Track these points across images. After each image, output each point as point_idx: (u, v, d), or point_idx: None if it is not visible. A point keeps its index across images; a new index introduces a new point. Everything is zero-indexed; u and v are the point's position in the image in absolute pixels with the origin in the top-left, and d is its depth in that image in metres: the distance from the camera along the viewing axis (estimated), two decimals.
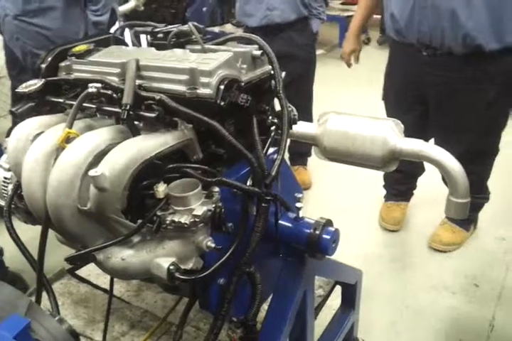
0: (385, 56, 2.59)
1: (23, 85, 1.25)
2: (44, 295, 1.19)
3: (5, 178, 1.31)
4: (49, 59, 1.30)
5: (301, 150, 3.15)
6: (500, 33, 2.01)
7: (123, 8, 4.03)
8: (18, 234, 1.27)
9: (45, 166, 1.06)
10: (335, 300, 1.83)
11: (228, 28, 5.61)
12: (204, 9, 5.38)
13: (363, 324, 1.99)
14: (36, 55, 2.58)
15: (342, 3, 6.30)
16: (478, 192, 2.47)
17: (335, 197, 3.11)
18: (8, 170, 1.29)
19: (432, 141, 2.37)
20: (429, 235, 2.71)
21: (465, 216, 1.31)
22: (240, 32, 4.26)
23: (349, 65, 2.85)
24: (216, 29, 5.44)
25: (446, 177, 1.26)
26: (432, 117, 2.41)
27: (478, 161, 2.34)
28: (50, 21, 2.57)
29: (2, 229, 2.47)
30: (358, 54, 2.79)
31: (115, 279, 1.55)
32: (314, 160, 3.26)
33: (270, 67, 1.19)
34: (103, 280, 1.84)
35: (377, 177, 2.84)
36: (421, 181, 2.87)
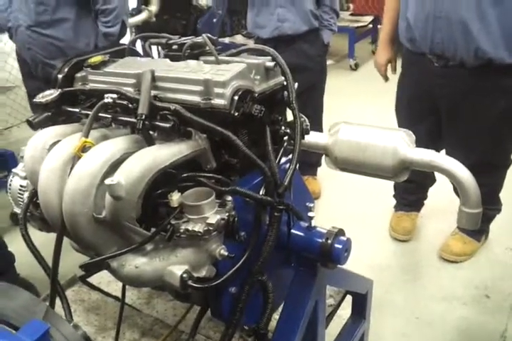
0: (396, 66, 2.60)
1: (40, 95, 1.28)
2: (56, 302, 1.21)
3: (21, 186, 1.33)
4: (65, 70, 1.33)
5: (310, 161, 3.16)
6: None
7: (135, 20, 4.09)
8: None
9: (61, 175, 1.08)
10: (345, 310, 1.83)
11: (238, 38, 5.66)
12: (214, 20, 5.44)
13: (373, 334, 1.98)
14: (47, 64, 2.65)
15: (351, 14, 6.33)
16: (490, 204, 2.47)
17: (344, 207, 3.11)
18: (25, 178, 1.31)
19: (443, 151, 2.38)
20: (440, 245, 2.70)
21: (477, 226, 1.31)
22: (250, 43, 4.30)
23: (386, 78, 2.64)
24: (226, 40, 5.49)
25: (458, 188, 1.26)
26: (444, 128, 2.41)
27: (490, 173, 2.33)
28: (62, 32, 2.62)
29: (13, 237, 2.52)
30: (394, 64, 2.59)
31: (126, 287, 1.56)
32: (324, 170, 3.26)
33: (283, 78, 1.20)
34: (114, 287, 1.85)
35: (387, 187, 2.84)
36: (432, 191, 2.86)
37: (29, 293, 0.88)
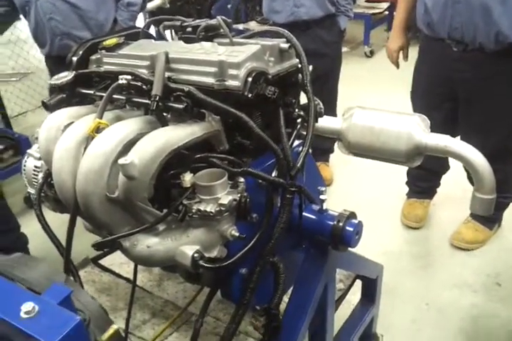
0: (412, 53, 2.57)
1: (55, 77, 1.29)
2: None
3: (35, 167, 1.34)
4: (80, 52, 1.34)
5: (323, 147, 3.15)
6: None
7: (149, 6, 4.09)
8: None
9: (75, 155, 1.09)
10: (355, 295, 1.84)
11: (252, 25, 5.62)
12: (229, 6, 5.41)
13: (382, 320, 1.99)
14: (66, 35, 2.72)
15: (367, 1, 6.24)
16: (504, 192, 2.44)
17: (356, 193, 3.10)
18: (39, 159, 1.32)
19: (458, 138, 2.35)
20: (452, 233, 2.69)
21: (490, 212, 1.30)
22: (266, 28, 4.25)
23: (397, 65, 2.63)
24: (240, 26, 5.46)
25: (472, 173, 1.25)
26: (462, 114, 2.38)
27: (505, 160, 2.31)
28: (85, 2, 2.71)
29: (27, 221, 2.55)
30: (406, 51, 2.59)
31: (138, 268, 1.58)
32: (336, 157, 3.26)
33: (297, 60, 1.20)
34: (126, 269, 1.88)
35: (399, 173, 2.83)
36: (445, 179, 2.85)
37: (48, 264, 0.90)
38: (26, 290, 0.80)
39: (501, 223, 2.72)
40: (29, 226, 2.45)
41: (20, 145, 3.31)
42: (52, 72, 2.94)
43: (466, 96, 2.30)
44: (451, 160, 1.26)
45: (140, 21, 3.03)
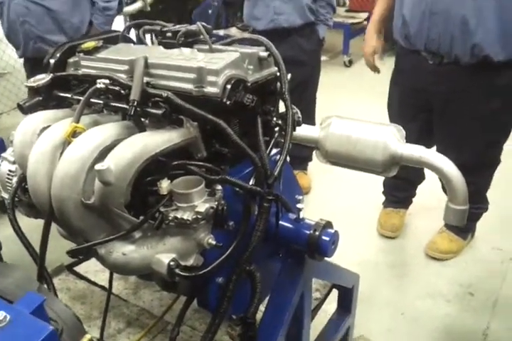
0: (388, 64, 2.61)
1: (32, 79, 1.27)
2: None
3: (10, 171, 1.32)
4: (58, 54, 1.32)
5: (301, 155, 3.16)
6: (509, 44, 2.01)
7: (130, 9, 4.06)
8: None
9: (51, 159, 1.07)
10: (331, 304, 1.84)
11: (233, 31, 5.62)
12: (210, 12, 5.42)
13: (358, 329, 2.00)
14: (40, 38, 2.69)
15: (347, 11, 6.31)
16: (477, 202, 2.48)
17: (334, 202, 3.12)
18: (13, 162, 1.30)
19: (434, 149, 2.38)
20: (427, 243, 2.71)
21: (463, 223, 1.32)
22: (245, 35, 4.27)
23: (376, 70, 2.65)
24: (221, 32, 5.46)
25: (446, 184, 1.27)
26: (436, 126, 2.41)
27: (478, 172, 2.34)
28: (58, 5, 2.68)
29: (0, 225, 2.48)
30: (380, 51, 2.61)
31: (113, 276, 1.56)
32: (314, 165, 3.27)
33: (276, 68, 1.20)
34: (101, 277, 1.85)
35: (376, 183, 2.85)
36: (420, 189, 2.88)
37: (22, 271, 0.88)
38: None
39: (475, 233, 2.76)
40: (2, 231, 2.39)
41: None
42: (29, 75, 2.90)
43: (441, 109, 2.33)
44: (427, 171, 1.27)
45: (117, 25, 3.01)
